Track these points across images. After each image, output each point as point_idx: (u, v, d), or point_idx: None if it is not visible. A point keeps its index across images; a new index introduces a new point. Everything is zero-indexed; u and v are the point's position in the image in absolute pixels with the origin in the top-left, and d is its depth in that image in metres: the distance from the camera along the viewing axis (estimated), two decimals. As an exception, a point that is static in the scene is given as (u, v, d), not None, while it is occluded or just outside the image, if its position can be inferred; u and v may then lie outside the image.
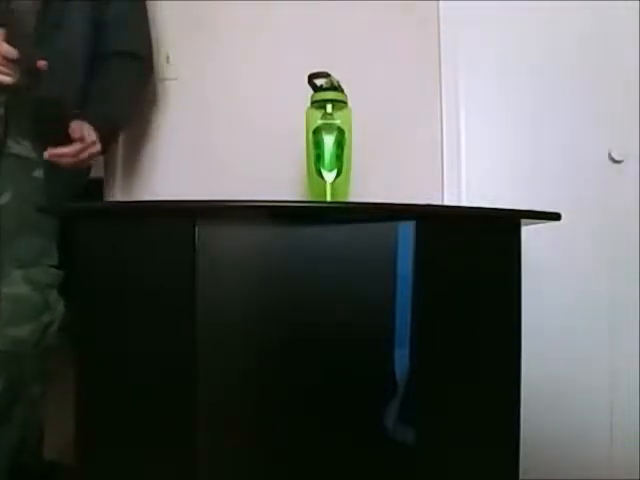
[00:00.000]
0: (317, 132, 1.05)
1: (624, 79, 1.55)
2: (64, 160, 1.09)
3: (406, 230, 0.88)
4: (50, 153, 1.07)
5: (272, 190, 1.34)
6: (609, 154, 1.54)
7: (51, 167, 1.11)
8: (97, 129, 1.15)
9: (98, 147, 1.14)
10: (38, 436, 1.23)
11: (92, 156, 1.14)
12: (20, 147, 1.13)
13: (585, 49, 1.55)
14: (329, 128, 1.05)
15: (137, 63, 1.32)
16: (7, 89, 1.03)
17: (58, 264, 1.16)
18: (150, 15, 1.40)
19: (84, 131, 1.10)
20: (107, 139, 1.20)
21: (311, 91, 1.07)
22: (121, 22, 1.27)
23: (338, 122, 1.05)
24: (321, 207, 0.96)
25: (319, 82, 1.07)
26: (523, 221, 0.98)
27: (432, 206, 1.07)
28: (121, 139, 1.52)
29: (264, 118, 1.49)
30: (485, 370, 0.94)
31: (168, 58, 1.52)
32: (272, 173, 1.46)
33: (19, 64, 0.99)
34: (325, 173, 1.05)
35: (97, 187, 1.52)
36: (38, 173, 1.12)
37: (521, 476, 0.96)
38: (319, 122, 1.05)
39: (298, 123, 1.09)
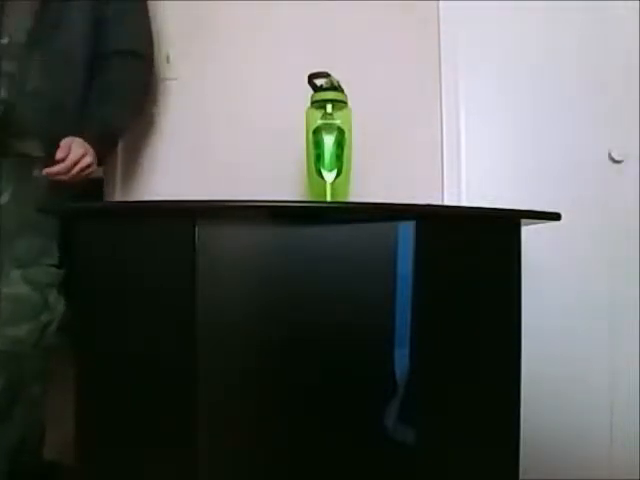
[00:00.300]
0: (317, 132, 1.05)
1: (624, 79, 1.55)
2: (60, 178, 1.10)
3: (406, 230, 0.88)
4: (45, 172, 1.09)
5: (272, 190, 1.35)
6: (609, 154, 1.54)
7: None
8: (91, 141, 1.14)
9: (87, 160, 1.12)
10: (39, 436, 1.23)
11: (84, 169, 1.12)
12: (23, 145, 1.13)
13: (585, 49, 1.55)
14: (329, 128, 1.05)
15: (138, 62, 1.31)
16: None
17: (59, 263, 1.16)
18: (151, 14, 1.40)
19: (71, 149, 1.09)
20: (103, 149, 1.20)
21: (311, 91, 1.07)
22: (121, 21, 1.26)
23: (338, 122, 1.05)
24: (321, 207, 0.96)
25: (319, 82, 1.07)
26: (523, 221, 0.98)
27: (432, 206, 1.07)
28: (121, 139, 1.52)
29: (264, 118, 1.49)
30: (485, 370, 0.94)
31: (168, 58, 1.52)
32: (272, 173, 1.46)
33: None
34: (325, 173, 1.05)
35: (97, 187, 1.52)
36: (38, 173, 1.12)
37: (521, 476, 0.96)
38: (319, 122, 1.05)
39: (298, 123, 1.09)
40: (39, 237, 1.13)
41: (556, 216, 0.98)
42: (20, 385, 1.10)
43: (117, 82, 1.26)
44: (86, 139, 1.14)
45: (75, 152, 1.10)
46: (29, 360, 1.11)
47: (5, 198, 1.11)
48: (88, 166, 1.13)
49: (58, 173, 1.09)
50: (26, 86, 1.12)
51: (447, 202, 1.47)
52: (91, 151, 1.14)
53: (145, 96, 1.41)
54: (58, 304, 1.15)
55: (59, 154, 1.08)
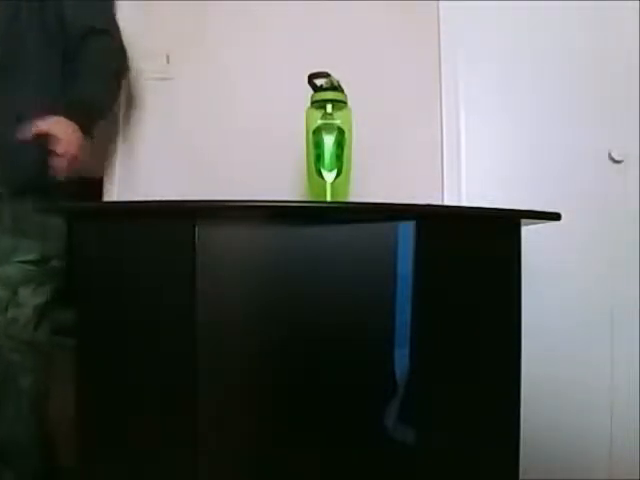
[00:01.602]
0: (317, 132, 1.05)
1: (624, 79, 1.55)
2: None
3: (406, 230, 0.88)
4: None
5: (272, 190, 1.34)
6: (609, 154, 1.54)
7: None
8: (73, 118, 1.12)
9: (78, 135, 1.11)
10: (39, 436, 1.23)
11: (71, 149, 1.11)
12: None
13: (585, 49, 1.55)
14: (329, 128, 1.05)
15: (105, 37, 1.25)
16: None
17: (40, 259, 1.16)
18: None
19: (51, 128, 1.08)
20: (87, 122, 1.17)
21: (311, 91, 1.07)
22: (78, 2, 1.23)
23: (338, 122, 1.05)
24: (321, 207, 0.96)
25: (319, 82, 1.07)
26: (523, 221, 0.98)
27: (432, 206, 1.07)
28: (120, 139, 1.52)
29: (264, 118, 1.49)
30: (485, 370, 0.94)
31: (168, 58, 1.52)
32: (272, 173, 1.46)
33: None
34: (325, 173, 1.05)
35: (97, 187, 1.52)
36: None
37: (521, 476, 0.96)
38: (319, 122, 1.05)
39: (298, 123, 1.09)
40: (9, 235, 1.13)
41: (556, 216, 0.98)
42: (3, 380, 1.11)
43: (90, 64, 1.21)
44: (69, 117, 1.12)
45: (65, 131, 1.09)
46: (12, 353, 1.11)
47: None
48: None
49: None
50: None
51: (447, 202, 1.47)
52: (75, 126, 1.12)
53: (119, 72, 1.34)
54: (31, 299, 1.15)
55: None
